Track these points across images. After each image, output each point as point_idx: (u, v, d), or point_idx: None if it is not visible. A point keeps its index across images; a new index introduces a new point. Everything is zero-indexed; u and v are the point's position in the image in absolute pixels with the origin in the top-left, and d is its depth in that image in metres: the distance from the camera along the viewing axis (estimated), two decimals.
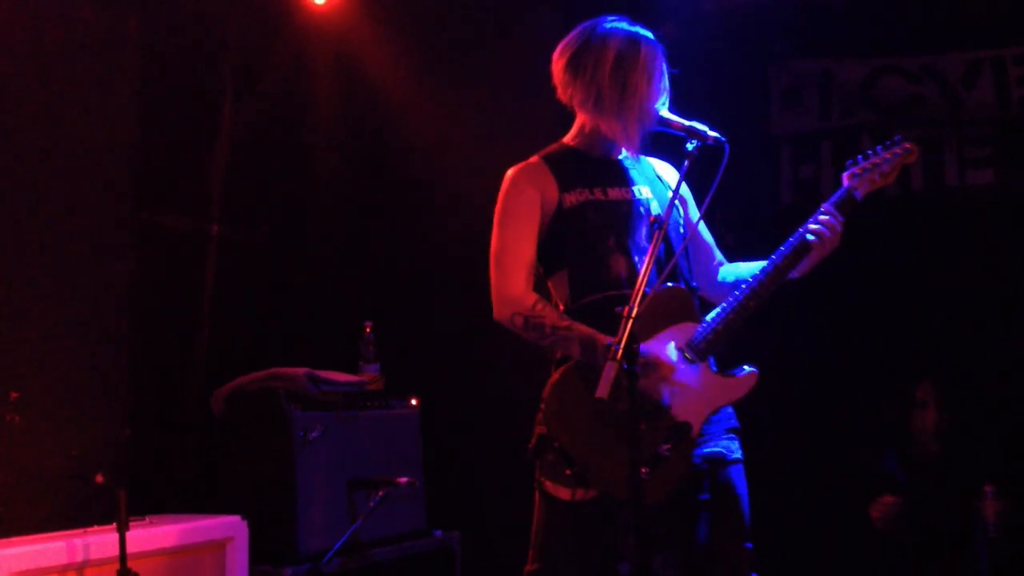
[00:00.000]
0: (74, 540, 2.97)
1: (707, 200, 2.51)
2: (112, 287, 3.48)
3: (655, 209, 2.71)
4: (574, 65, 2.70)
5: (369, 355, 4.25)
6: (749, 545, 2.63)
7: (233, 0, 4.36)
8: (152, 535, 3.15)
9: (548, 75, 2.79)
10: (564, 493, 2.56)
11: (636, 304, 2.28)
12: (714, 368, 2.64)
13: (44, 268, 3.31)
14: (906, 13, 4.79)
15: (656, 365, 2.53)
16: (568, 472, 2.53)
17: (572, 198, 2.68)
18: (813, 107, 5.01)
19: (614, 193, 2.71)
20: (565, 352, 2.59)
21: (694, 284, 2.74)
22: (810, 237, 2.64)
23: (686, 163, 2.57)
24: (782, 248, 2.65)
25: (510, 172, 2.74)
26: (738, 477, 2.66)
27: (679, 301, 2.62)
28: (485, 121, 4.71)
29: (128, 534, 2.91)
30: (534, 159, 2.76)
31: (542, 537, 2.63)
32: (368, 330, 4.29)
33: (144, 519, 3.25)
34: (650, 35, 2.74)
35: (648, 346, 2.53)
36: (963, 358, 4.56)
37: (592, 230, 2.65)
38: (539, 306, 2.59)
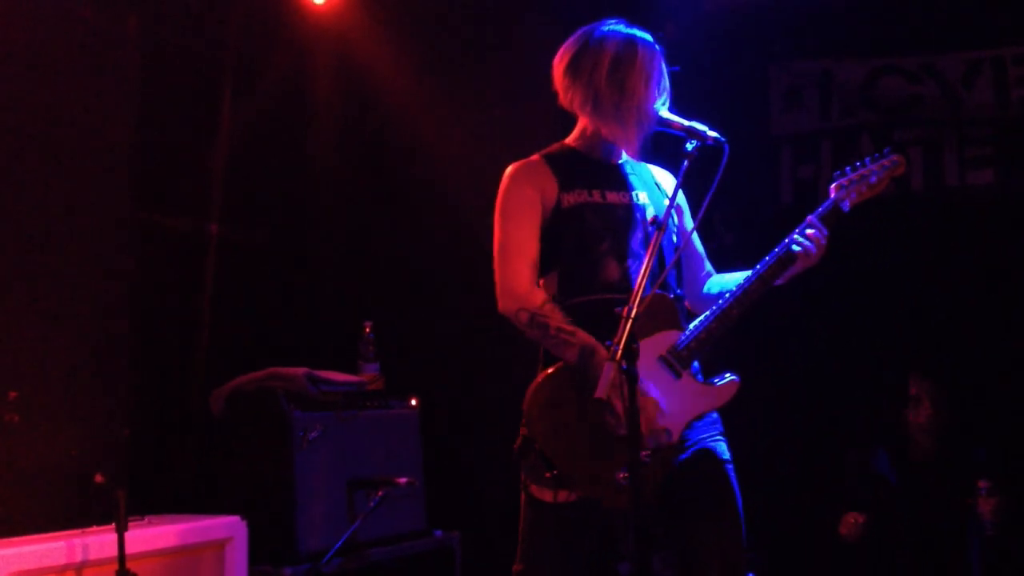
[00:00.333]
0: (73, 540, 2.97)
1: (706, 200, 2.51)
2: (112, 287, 3.48)
3: (651, 214, 2.72)
4: (573, 69, 2.71)
5: (369, 355, 4.25)
6: (743, 546, 2.64)
7: (233, 0, 4.36)
8: (151, 535, 3.15)
9: (548, 75, 2.80)
10: (546, 495, 2.58)
11: (635, 304, 2.29)
12: (697, 375, 2.66)
13: (44, 268, 3.31)
14: (906, 13, 4.78)
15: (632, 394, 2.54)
16: (548, 475, 2.54)
17: (571, 198, 2.69)
18: (813, 107, 5.01)
19: (612, 196, 2.72)
20: (560, 355, 2.59)
21: (680, 292, 2.76)
22: (795, 248, 2.66)
23: (685, 163, 2.58)
24: (767, 258, 2.67)
25: (510, 169, 2.75)
26: (730, 477, 2.67)
27: (663, 309, 2.63)
28: (485, 121, 4.71)
29: (127, 534, 2.92)
30: (535, 157, 2.77)
31: (527, 538, 2.65)
32: (368, 330, 4.29)
33: (143, 519, 3.25)
34: (648, 37, 2.75)
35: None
36: (963, 358, 4.56)
37: (588, 232, 2.66)
38: (547, 306, 2.59)
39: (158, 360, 3.96)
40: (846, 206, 2.74)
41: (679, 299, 2.72)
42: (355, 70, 4.89)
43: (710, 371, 2.71)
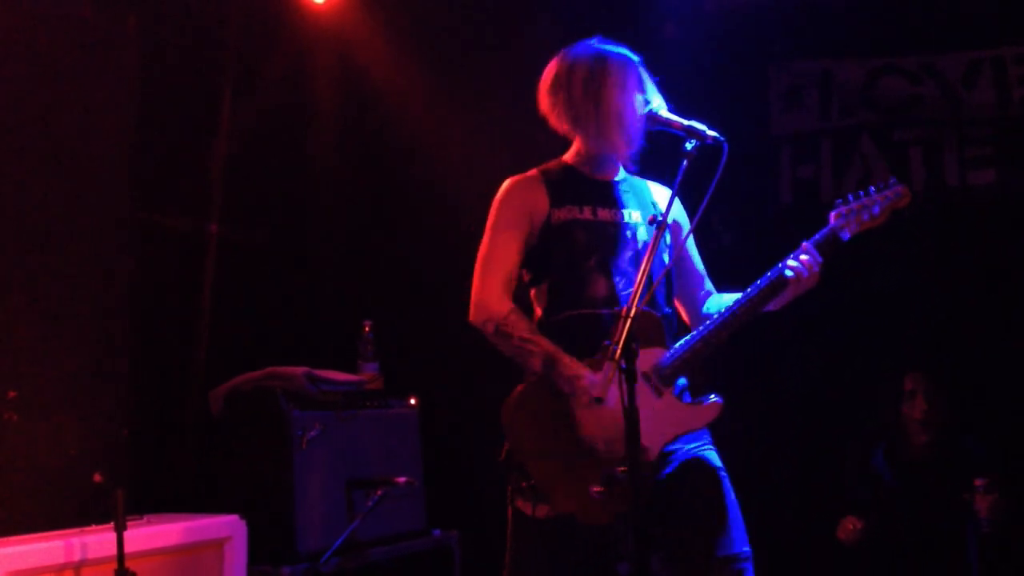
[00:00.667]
0: (72, 539, 2.97)
1: (705, 199, 2.51)
2: (112, 287, 3.48)
3: (642, 235, 2.74)
4: (551, 92, 2.77)
5: (368, 354, 4.25)
6: (741, 549, 2.63)
7: (233, 0, 4.36)
8: (150, 534, 3.15)
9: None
10: (527, 508, 2.60)
11: (635, 303, 2.29)
12: (679, 395, 2.66)
13: (44, 267, 3.31)
14: (906, 13, 4.78)
15: (596, 401, 2.55)
16: (524, 485, 2.58)
17: (561, 214, 2.72)
18: (813, 107, 5.01)
19: (603, 214, 2.74)
20: (525, 365, 2.64)
21: (667, 311, 2.77)
22: (788, 273, 2.65)
23: (684, 162, 2.58)
24: (759, 282, 2.67)
25: (507, 183, 2.80)
26: (723, 484, 2.67)
27: (649, 326, 2.63)
28: (485, 121, 4.71)
29: (126, 533, 2.92)
30: (532, 172, 2.81)
31: (513, 549, 2.68)
32: (367, 329, 4.29)
33: (142, 518, 3.25)
34: (622, 50, 2.78)
35: (597, 375, 2.56)
36: (962, 357, 4.56)
37: (577, 248, 2.69)
38: (512, 317, 2.64)
39: (157, 359, 3.97)
40: (845, 235, 2.73)
41: (666, 318, 2.73)
42: (355, 70, 4.89)
43: (701, 383, 2.71)
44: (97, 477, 3.28)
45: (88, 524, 3.15)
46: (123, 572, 2.89)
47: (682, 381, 2.70)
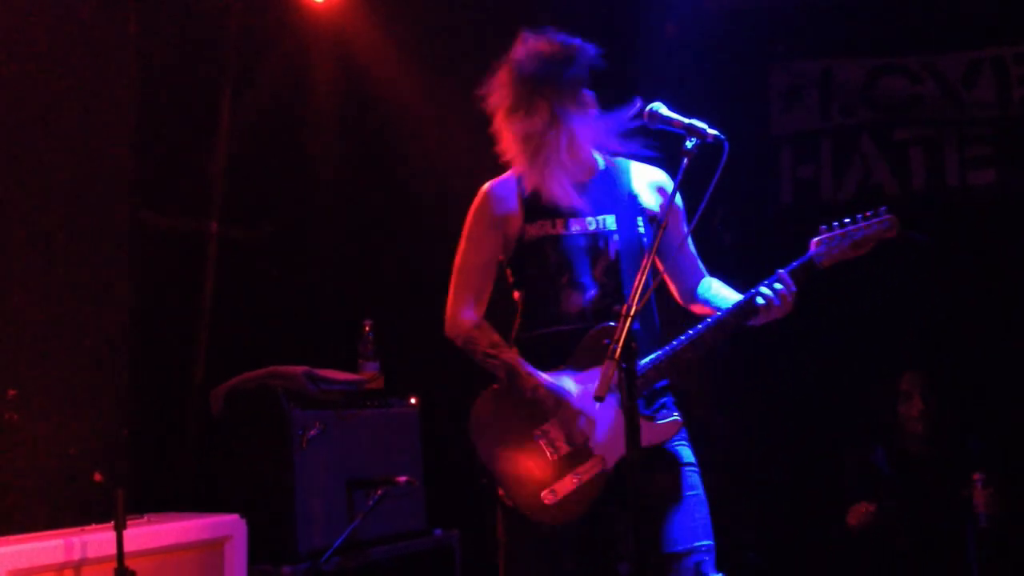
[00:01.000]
0: (72, 538, 2.97)
1: (706, 198, 2.51)
2: (112, 286, 3.49)
3: (616, 241, 2.74)
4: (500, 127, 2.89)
5: (368, 353, 4.25)
6: (708, 542, 2.65)
7: (233, 0, 4.36)
8: (150, 533, 3.15)
9: None
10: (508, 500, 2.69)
11: (635, 302, 2.30)
12: (642, 409, 2.68)
13: (44, 266, 3.31)
14: (906, 13, 4.79)
15: (560, 401, 2.62)
16: (485, 482, 2.70)
17: (533, 231, 2.76)
18: (813, 107, 5.01)
19: (575, 225, 2.75)
20: (494, 374, 2.72)
21: (636, 326, 2.75)
22: (759, 301, 2.64)
23: (685, 161, 2.58)
24: (731, 305, 2.67)
25: (483, 190, 2.85)
26: (685, 479, 2.68)
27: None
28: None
29: (126, 532, 2.92)
30: (509, 177, 2.84)
31: (506, 547, 2.79)
32: (367, 328, 4.28)
33: (142, 517, 3.25)
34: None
35: (563, 381, 2.63)
36: (962, 357, 4.56)
37: (548, 266, 2.73)
38: (475, 332, 2.75)
39: (158, 359, 3.96)
40: (822, 263, 2.68)
41: (637, 332, 2.72)
42: (355, 70, 4.88)
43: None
44: (97, 476, 3.28)
45: (88, 523, 3.15)
46: (123, 571, 2.89)
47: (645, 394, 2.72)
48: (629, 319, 2.27)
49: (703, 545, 2.63)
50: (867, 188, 4.93)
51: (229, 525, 3.40)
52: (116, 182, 3.54)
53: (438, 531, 4.14)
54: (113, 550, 2.90)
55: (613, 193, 2.80)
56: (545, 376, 2.65)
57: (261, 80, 4.58)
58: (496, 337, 2.76)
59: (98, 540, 3.00)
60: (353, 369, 4.22)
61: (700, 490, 2.69)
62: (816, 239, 2.71)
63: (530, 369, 2.65)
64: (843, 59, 4.95)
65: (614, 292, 2.70)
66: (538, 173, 2.73)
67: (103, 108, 3.51)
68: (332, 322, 4.70)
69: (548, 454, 2.63)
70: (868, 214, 2.73)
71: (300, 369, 3.83)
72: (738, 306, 2.65)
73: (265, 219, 4.60)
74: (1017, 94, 4.75)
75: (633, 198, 2.81)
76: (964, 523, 4.05)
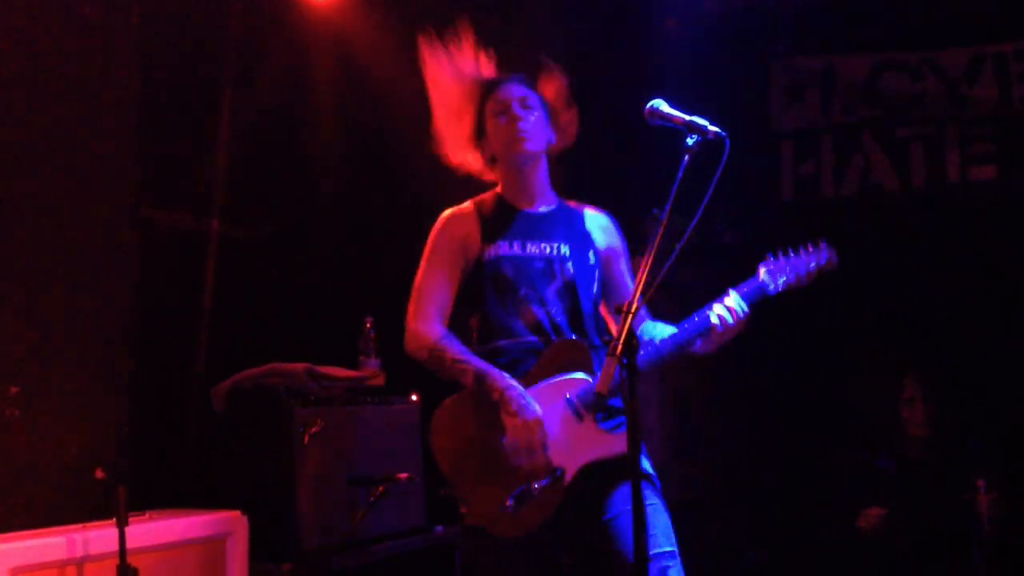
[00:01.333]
0: (73, 535, 2.97)
1: (707, 195, 2.51)
2: (112, 284, 3.49)
3: (570, 268, 2.83)
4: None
5: (369, 350, 4.25)
6: (671, 548, 2.65)
7: (233, 0, 4.37)
8: (152, 530, 3.15)
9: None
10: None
11: (636, 300, 2.31)
12: (599, 422, 2.70)
13: (44, 265, 3.32)
14: (907, 9, 4.80)
15: (524, 408, 2.62)
16: (444, 492, 2.73)
17: (491, 250, 2.84)
18: (814, 104, 5.01)
19: (531, 248, 2.85)
20: (461, 383, 2.75)
21: (597, 342, 2.84)
22: (713, 320, 2.69)
23: (686, 158, 2.58)
24: (686, 325, 2.71)
25: (443, 216, 2.97)
26: (648, 489, 2.69)
27: (576, 353, 2.74)
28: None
29: (128, 529, 2.92)
30: (467, 206, 2.95)
31: (472, 568, 2.77)
32: (368, 325, 4.28)
33: (144, 514, 3.25)
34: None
35: (525, 391, 2.66)
36: (962, 357, 4.56)
37: (505, 282, 2.81)
38: (443, 342, 2.78)
39: (159, 356, 3.96)
40: (771, 291, 2.76)
41: (595, 349, 2.81)
42: (355, 70, 4.89)
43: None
44: (99, 473, 3.28)
45: (90, 520, 3.15)
46: (125, 568, 2.89)
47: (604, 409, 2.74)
48: (631, 316, 2.28)
49: (665, 552, 2.64)
50: (868, 185, 4.93)
51: (230, 522, 3.41)
52: (116, 182, 3.54)
53: (439, 528, 4.14)
54: (115, 547, 2.91)
55: (568, 226, 2.92)
56: (515, 381, 2.68)
57: (261, 80, 4.58)
58: (464, 347, 2.80)
59: (100, 537, 3.00)
60: (354, 366, 4.22)
61: (658, 500, 2.71)
62: (763, 266, 2.78)
63: (501, 373, 2.69)
64: (845, 56, 4.96)
65: (569, 311, 2.79)
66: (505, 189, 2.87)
67: (103, 108, 3.51)
68: (332, 322, 4.70)
69: (507, 463, 2.64)
70: (810, 248, 2.81)
71: (301, 366, 3.83)
72: (694, 326, 2.70)
73: (265, 219, 4.60)
74: (1018, 91, 4.76)
75: (587, 234, 2.92)
76: (966, 525, 4.05)
